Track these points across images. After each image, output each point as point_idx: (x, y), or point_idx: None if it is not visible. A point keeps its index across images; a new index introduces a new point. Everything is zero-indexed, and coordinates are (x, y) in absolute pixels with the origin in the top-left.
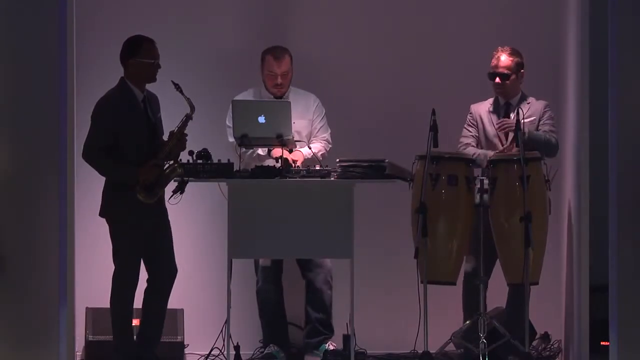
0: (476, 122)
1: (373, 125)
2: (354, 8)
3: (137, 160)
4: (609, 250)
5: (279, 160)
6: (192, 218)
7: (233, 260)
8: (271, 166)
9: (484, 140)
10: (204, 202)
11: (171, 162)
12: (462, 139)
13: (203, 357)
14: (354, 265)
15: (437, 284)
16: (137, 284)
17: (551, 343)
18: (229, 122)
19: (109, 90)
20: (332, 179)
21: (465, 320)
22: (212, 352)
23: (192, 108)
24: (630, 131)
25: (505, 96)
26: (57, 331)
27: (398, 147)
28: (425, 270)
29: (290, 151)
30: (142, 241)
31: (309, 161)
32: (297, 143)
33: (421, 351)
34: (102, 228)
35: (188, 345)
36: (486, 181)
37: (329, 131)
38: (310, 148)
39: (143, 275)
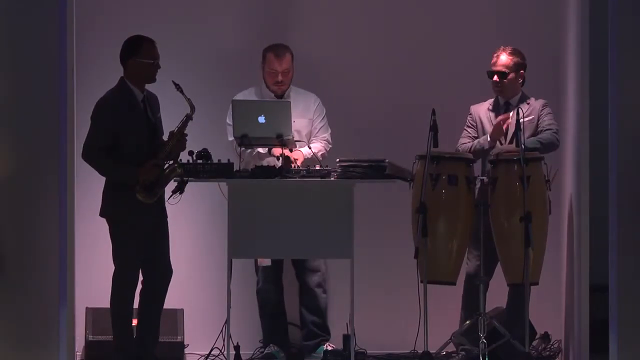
0: (475, 122)
1: (373, 125)
2: (354, 8)
3: (137, 160)
4: (609, 250)
5: (280, 158)
6: (192, 218)
7: (233, 260)
8: (271, 166)
9: None
10: (204, 202)
11: (171, 162)
12: (460, 139)
13: (203, 357)
14: (354, 265)
15: (437, 284)
16: (137, 284)
17: (551, 343)
18: (229, 121)
19: (109, 90)
20: (332, 179)
21: (464, 320)
22: (212, 352)
23: (192, 108)
24: (630, 131)
25: (503, 95)
26: (57, 331)
27: (398, 147)
28: (425, 270)
29: (291, 151)
30: (142, 241)
31: (309, 161)
32: (297, 143)
33: (421, 351)
34: (102, 228)
35: (188, 345)
36: (485, 180)
37: (329, 131)
38: (310, 148)
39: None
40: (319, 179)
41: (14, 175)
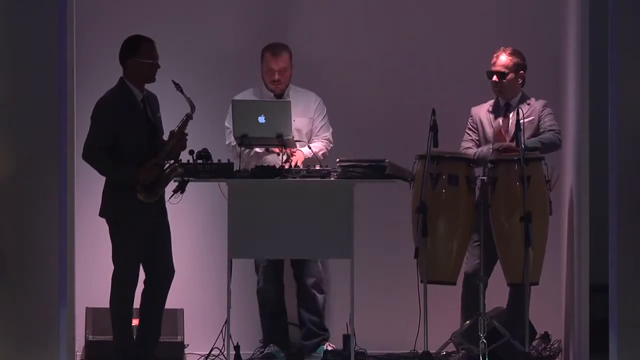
0: (476, 125)
1: (373, 125)
2: (354, 8)
3: (137, 160)
4: (609, 250)
5: (279, 154)
6: (192, 218)
7: (233, 260)
8: (271, 166)
9: (484, 142)
10: (204, 202)
11: (171, 161)
12: (462, 144)
13: (203, 357)
14: (354, 265)
15: (437, 284)
16: (137, 284)
17: (551, 343)
18: (227, 124)
19: (109, 90)
20: (332, 179)
21: (463, 320)
22: (212, 352)
23: (192, 108)
24: (630, 131)
25: (503, 96)
26: (57, 331)
27: (398, 147)
28: (425, 270)
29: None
30: (142, 241)
31: (309, 161)
32: (297, 143)
33: (421, 351)
34: (102, 228)
35: (188, 345)
36: (486, 180)
37: (331, 130)
38: (310, 148)
39: (142, 276)
40: (319, 179)
41: (14, 175)
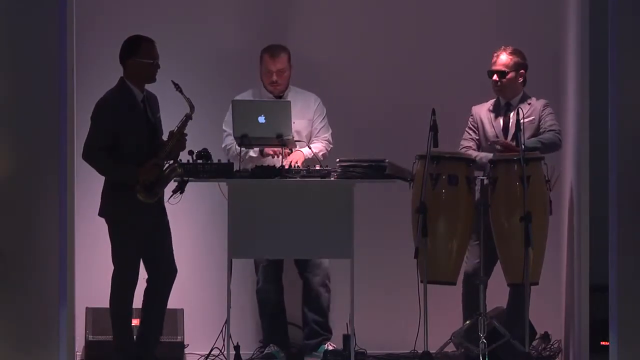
0: (477, 124)
1: (373, 125)
2: (354, 8)
3: (137, 160)
4: (609, 250)
5: (273, 157)
6: (192, 218)
7: (233, 260)
8: (271, 166)
9: (484, 142)
10: (204, 202)
11: (171, 162)
12: (462, 142)
13: (203, 357)
14: (354, 265)
15: (437, 284)
16: (136, 284)
17: (551, 343)
18: (225, 127)
19: (109, 90)
20: (332, 179)
21: (464, 320)
22: (212, 352)
23: (192, 108)
24: (630, 131)
25: (503, 95)
26: (57, 331)
27: (398, 147)
28: (425, 270)
29: (291, 151)
30: (142, 241)
31: (309, 161)
32: (297, 143)
33: (421, 351)
34: (102, 228)
35: (188, 345)
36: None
37: (330, 131)
38: (310, 148)
39: (142, 275)
40: (319, 179)
41: (14, 175)
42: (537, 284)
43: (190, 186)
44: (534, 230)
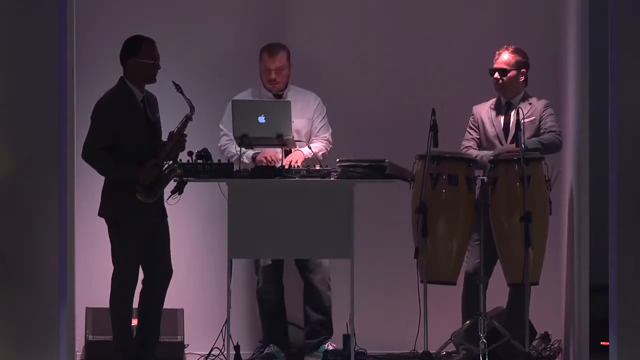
0: (477, 123)
1: (373, 125)
2: (354, 8)
3: (137, 160)
4: (609, 250)
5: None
6: (192, 218)
7: (233, 260)
8: (271, 166)
9: (484, 141)
10: (204, 202)
11: (170, 162)
12: (463, 142)
13: (203, 357)
14: (354, 265)
15: (437, 284)
16: (136, 284)
17: (551, 343)
18: (222, 126)
19: (109, 90)
20: (332, 179)
21: (464, 320)
22: (212, 352)
23: (192, 108)
24: (630, 131)
25: (504, 94)
26: (57, 331)
27: (398, 147)
28: (425, 270)
29: (290, 151)
30: (142, 241)
31: (309, 161)
32: (297, 143)
33: (421, 351)
34: (102, 228)
35: (188, 345)
36: (486, 179)
37: (330, 130)
38: (310, 148)
39: (140, 275)
40: (319, 179)
41: (14, 175)
42: (537, 284)
43: (190, 186)
44: (534, 230)
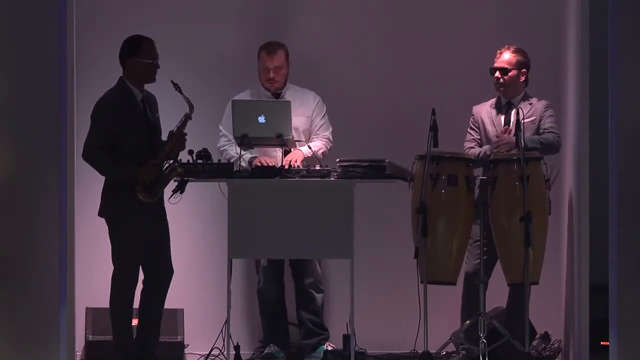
0: (478, 124)
1: (373, 125)
2: (354, 8)
3: (137, 159)
4: (609, 250)
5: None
6: (192, 218)
7: (233, 260)
8: (271, 166)
9: (485, 141)
10: (204, 202)
11: (171, 161)
12: (465, 143)
13: (203, 357)
14: (354, 265)
15: (437, 284)
16: (136, 284)
17: (551, 343)
18: (222, 127)
19: (108, 90)
20: (332, 179)
21: (464, 320)
22: (212, 352)
23: (191, 108)
24: (630, 131)
25: (505, 93)
26: (57, 331)
27: (398, 147)
28: (425, 270)
29: (290, 150)
30: (142, 241)
31: (309, 160)
32: (297, 143)
33: (421, 351)
34: (102, 228)
35: (188, 345)
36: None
37: (330, 129)
38: (310, 147)
39: (140, 275)
40: (319, 179)
41: (14, 175)
42: (537, 283)
43: (190, 186)
44: (534, 230)
